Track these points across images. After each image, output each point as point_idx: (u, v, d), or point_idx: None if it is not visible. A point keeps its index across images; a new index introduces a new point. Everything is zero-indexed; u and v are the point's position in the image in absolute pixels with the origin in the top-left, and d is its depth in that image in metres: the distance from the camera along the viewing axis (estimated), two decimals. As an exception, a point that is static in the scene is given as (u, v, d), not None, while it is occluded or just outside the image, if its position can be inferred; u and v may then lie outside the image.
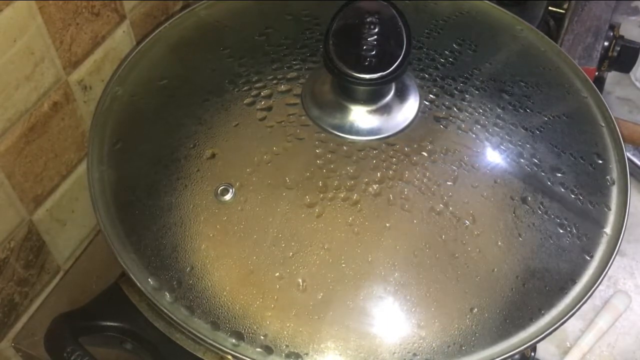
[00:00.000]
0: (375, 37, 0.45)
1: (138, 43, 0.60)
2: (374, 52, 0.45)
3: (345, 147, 0.47)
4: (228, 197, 0.45)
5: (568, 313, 0.44)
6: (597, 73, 0.72)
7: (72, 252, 0.65)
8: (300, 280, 0.43)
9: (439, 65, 0.52)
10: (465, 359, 0.42)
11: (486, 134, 0.49)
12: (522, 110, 0.51)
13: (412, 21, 0.47)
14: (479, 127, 0.49)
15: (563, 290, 0.45)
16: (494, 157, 0.48)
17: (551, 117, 0.51)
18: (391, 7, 0.47)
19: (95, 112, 0.51)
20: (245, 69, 0.51)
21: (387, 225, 0.44)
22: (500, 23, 0.58)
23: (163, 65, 0.54)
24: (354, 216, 0.44)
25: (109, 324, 0.50)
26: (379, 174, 0.46)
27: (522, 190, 0.47)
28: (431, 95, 0.50)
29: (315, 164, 0.46)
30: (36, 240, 0.59)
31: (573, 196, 0.48)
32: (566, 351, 0.62)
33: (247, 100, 0.49)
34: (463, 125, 0.49)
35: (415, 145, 0.47)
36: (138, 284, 0.44)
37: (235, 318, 0.43)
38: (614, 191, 0.49)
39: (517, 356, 0.43)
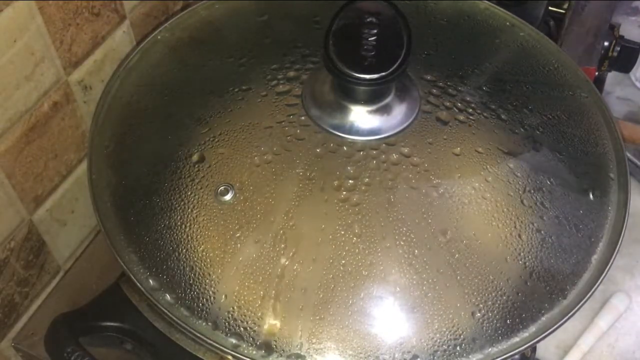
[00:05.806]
0: (375, 37, 0.45)
1: (138, 43, 0.60)
2: (373, 52, 0.45)
3: (345, 147, 0.47)
4: (228, 197, 0.45)
5: (568, 313, 0.44)
6: (597, 73, 0.72)
7: (72, 252, 0.65)
8: (300, 281, 0.43)
9: (439, 65, 0.52)
10: (465, 359, 0.42)
11: (486, 134, 0.49)
12: (522, 110, 0.51)
13: (412, 21, 0.47)
14: (479, 127, 0.49)
15: (563, 291, 0.45)
16: (494, 157, 0.48)
17: (551, 117, 0.51)
18: (391, 7, 0.47)
19: (95, 112, 0.51)
20: (245, 69, 0.51)
21: (387, 225, 0.44)
22: (500, 23, 0.58)
23: (163, 65, 0.54)
24: (354, 216, 0.44)
25: (109, 324, 0.50)
26: (379, 174, 0.46)
27: (522, 191, 0.47)
28: (431, 96, 0.50)
29: (316, 164, 0.46)
30: (36, 240, 0.59)
31: (573, 196, 0.48)
32: (566, 351, 0.62)
33: (247, 100, 0.49)
34: (463, 126, 0.49)
35: (415, 146, 0.47)
36: (138, 284, 0.44)
37: (235, 318, 0.43)
38: (614, 191, 0.49)
39: (517, 356, 0.43)
